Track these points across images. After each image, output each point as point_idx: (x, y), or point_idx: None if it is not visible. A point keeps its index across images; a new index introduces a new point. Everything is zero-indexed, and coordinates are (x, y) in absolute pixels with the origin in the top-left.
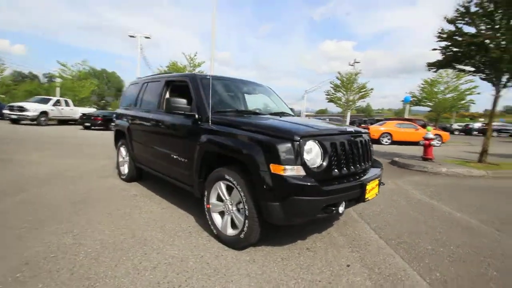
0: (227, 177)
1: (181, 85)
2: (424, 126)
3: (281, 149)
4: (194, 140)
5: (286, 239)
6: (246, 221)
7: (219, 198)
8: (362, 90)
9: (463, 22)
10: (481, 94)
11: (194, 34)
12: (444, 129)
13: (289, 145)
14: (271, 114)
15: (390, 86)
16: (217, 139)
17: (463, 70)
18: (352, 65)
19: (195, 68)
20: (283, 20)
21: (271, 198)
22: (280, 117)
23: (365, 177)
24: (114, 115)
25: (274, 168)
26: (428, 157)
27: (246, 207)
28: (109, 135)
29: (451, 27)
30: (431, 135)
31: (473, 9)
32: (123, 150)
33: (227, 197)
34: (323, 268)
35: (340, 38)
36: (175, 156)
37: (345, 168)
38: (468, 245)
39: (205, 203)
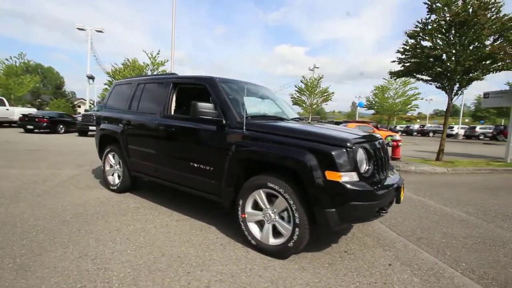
0: (270, 185)
1: (193, 88)
2: (376, 127)
3: (337, 156)
4: (223, 147)
5: (320, 243)
6: (297, 229)
7: (257, 207)
8: (325, 94)
9: (421, 37)
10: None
11: (144, 31)
12: (392, 130)
13: (344, 151)
14: (293, 119)
15: (338, 91)
16: (258, 147)
17: (422, 79)
18: (311, 70)
19: (158, 67)
20: (239, 22)
21: (327, 205)
22: (304, 122)
23: (395, 180)
24: (94, 118)
25: (330, 175)
26: (396, 157)
27: (296, 215)
28: (63, 139)
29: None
30: (398, 137)
31: (430, 26)
32: (111, 158)
33: (268, 206)
34: (371, 270)
35: (293, 43)
36: (196, 164)
37: (381, 172)
38: (471, 236)
39: (239, 212)
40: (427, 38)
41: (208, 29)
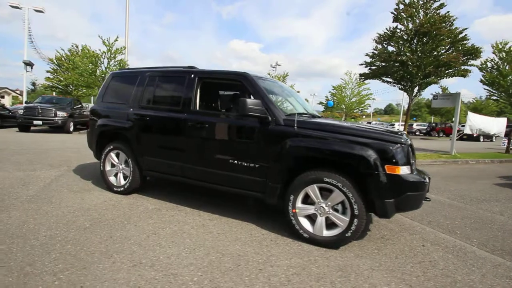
0: (327, 180)
1: (220, 83)
2: None
3: (396, 152)
4: (272, 144)
5: None
6: (355, 220)
7: (308, 201)
8: None
9: (388, 43)
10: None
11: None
12: None
13: (400, 147)
14: (315, 116)
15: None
16: (316, 144)
17: (387, 81)
18: (274, 67)
19: (116, 55)
20: (191, 12)
21: (387, 196)
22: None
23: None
24: (82, 111)
25: (390, 168)
26: None
27: (355, 206)
28: (2, 136)
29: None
30: None
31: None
32: (114, 157)
33: (321, 199)
34: (413, 251)
35: (248, 39)
36: (237, 162)
37: (414, 165)
38: (466, 217)
39: (289, 208)
40: (392, 44)
41: (157, 16)
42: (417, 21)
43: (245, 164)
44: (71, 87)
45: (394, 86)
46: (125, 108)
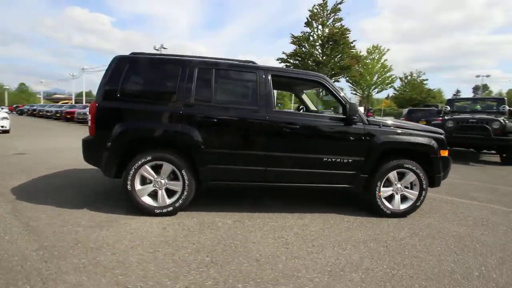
0: (406, 165)
1: (289, 82)
2: None
3: (444, 141)
4: (365, 141)
5: None
6: (423, 192)
7: (388, 184)
8: None
9: (303, 45)
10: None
11: None
12: None
13: (444, 137)
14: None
15: None
16: (398, 138)
17: None
18: (158, 50)
19: None
20: None
21: (440, 171)
22: None
23: None
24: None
25: (443, 152)
26: None
27: (424, 182)
28: None
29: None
30: None
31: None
32: (151, 170)
33: (398, 181)
34: (466, 218)
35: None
36: (332, 159)
37: None
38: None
39: (376, 192)
40: (307, 46)
41: None
42: (326, 30)
43: (340, 160)
44: None
45: None
46: (171, 108)
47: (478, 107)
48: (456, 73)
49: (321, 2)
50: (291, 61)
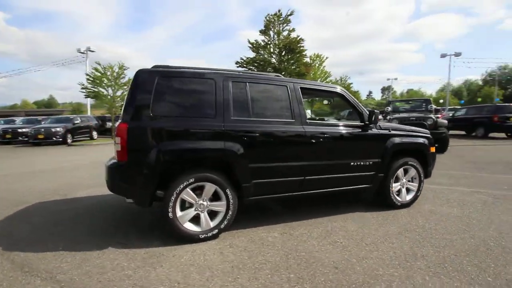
0: (410, 162)
1: (312, 94)
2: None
3: (432, 139)
4: (381, 144)
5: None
6: (422, 183)
7: (396, 180)
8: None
9: (260, 51)
10: None
11: None
12: None
13: (431, 137)
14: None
15: (68, 76)
16: (404, 140)
17: None
18: (83, 52)
19: None
20: None
21: (430, 164)
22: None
23: None
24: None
25: (432, 149)
26: None
27: (422, 175)
28: None
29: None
30: None
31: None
32: (192, 194)
33: (404, 176)
34: (474, 205)
35: None
36: (358, 163)
37: None
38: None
39: (390, 188)
40: (265, 52)
41: None
42: (281, 37)
43: (363, 163)
44: None
45: None
46: (211, 124)
47: (408, 106)
48: (367, 76)
49: (276, 12)
50: (251, 67)
